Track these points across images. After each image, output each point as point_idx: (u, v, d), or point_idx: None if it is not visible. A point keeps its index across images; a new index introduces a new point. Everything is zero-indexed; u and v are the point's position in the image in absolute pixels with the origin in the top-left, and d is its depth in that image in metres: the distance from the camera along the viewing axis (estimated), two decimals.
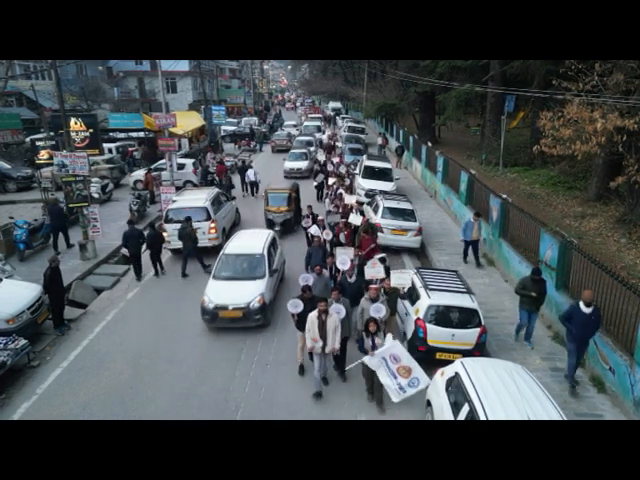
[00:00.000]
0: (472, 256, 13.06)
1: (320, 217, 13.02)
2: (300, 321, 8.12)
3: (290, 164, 24.37)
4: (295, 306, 8.05)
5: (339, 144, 28.16)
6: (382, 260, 10.00)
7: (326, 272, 9.79)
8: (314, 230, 12.08)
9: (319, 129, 36.88)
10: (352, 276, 9.35)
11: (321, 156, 23.02)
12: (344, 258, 9.52)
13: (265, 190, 15.81)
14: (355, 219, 13.07)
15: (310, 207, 13.92)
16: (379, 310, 7.78)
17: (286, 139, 32.68)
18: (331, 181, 17.24)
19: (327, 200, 16.45)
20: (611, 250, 12.30)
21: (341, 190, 15.93)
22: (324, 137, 31.71)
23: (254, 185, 20.67)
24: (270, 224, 15.05)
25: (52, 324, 10.14)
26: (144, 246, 12.75)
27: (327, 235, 11.91)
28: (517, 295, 9.35)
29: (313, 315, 7.64)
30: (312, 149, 27.36)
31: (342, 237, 12.51)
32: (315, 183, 19.36)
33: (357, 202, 14.87)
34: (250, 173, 20.60)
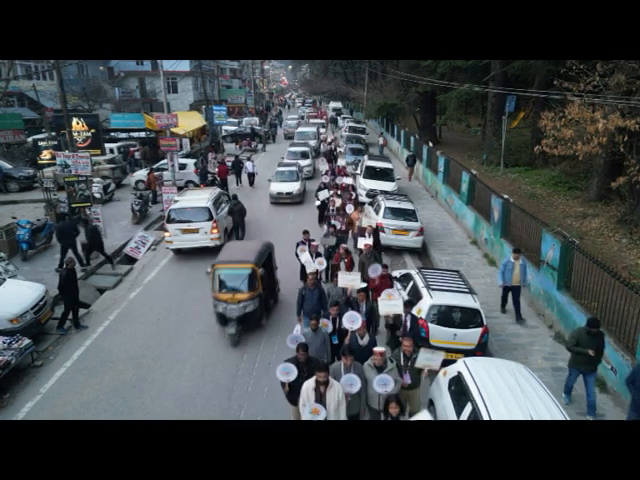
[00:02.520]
0: (511, 304, 10.33)
1: (314, 242, 10.93)
2: (292, 392, 6.25)
3: (277, 187, 19.44)
4: (286, 373, 6.08)
5: (340, 149, 25.43)
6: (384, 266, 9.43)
7: (327, 323, 7.51)
8: (304, 259, 9.99)
9: (316, 135, 31.47)
10: (364, 336, 7.09)
11: (323, 165, 20.29)
12: (354, 316, 7.17)
13: (212, 265, 9.86)
14: (364, 242, 10.87)
15: (306, 233, 11.27)
16: (385, 383, 5.96)
17: (294, 127, 37.43)
18: (338, 202, 14.13)
19: (332, 222, 13.12)
20: (612, 250, 12.32)
21: (349, 205, 13.71)
22: (323, 144, 28.60)
23: (252, 176, 22.55)
24: (221, 320, 9.57)
25: (57, 324, 10.17)
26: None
27: (320, 265, 9.70)
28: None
29: (309, 385, 5.89)
30: (307, 163, 23.75)
31: (342, 267, 10.45)
32: (317, 202, 15.94)
33: (369, 226, 12.05)
34: (249, 165, 22.67)
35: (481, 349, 8.45)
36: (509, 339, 9.53)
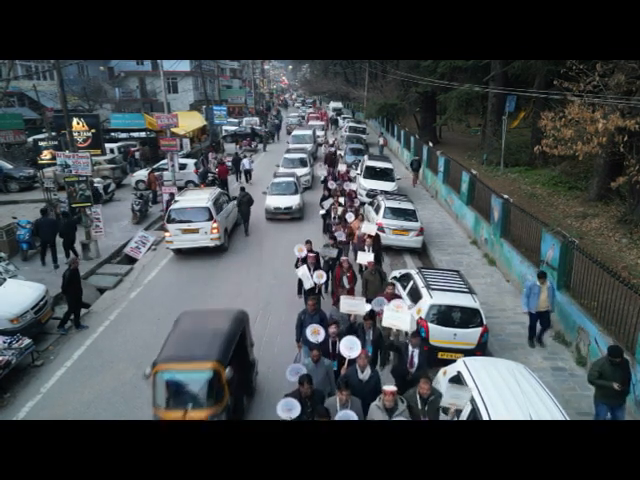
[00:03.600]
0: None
1: (312, 254, 9.89)
2: None
3: (274, 201, 17.26)
4: (288, 409, 5.34)
5: (341, 152, 24.09)
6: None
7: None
8: (301, 273, 9.31)
9: (313, 139, 29.18)
10: (365, 369, 6.15)
11: (322, 171, 19.25)
12: (352, 341, 6.29)
13: (153, 365, 6.48)
14: (365, 257, 10.02)
15: (309, 243, 10.39)
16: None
17: (297, 123, 40.64)
18: (340, 210, 13.61)
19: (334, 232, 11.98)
20: (612, 250, 12.34)
21: (349, 213, 12.84)
22: (324, 148, 26.68)
23: (248, 172, 23.05)
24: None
25: (56, 324, 10.19)
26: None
27: (319, 279, 8.93)
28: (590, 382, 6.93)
29: None
30: (305, 172, 21.40)
31: (345, 282, 9.48)
32: (322, 211, 14.91)
33: (369, 236, 11.12)
34: (245, 162, 23.16)
35: (481, 349, 8.46)
36: (509, 339, 9.54)
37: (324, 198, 15.41)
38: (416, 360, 6.74)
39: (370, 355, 6.64)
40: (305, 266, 9.44)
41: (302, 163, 22.23)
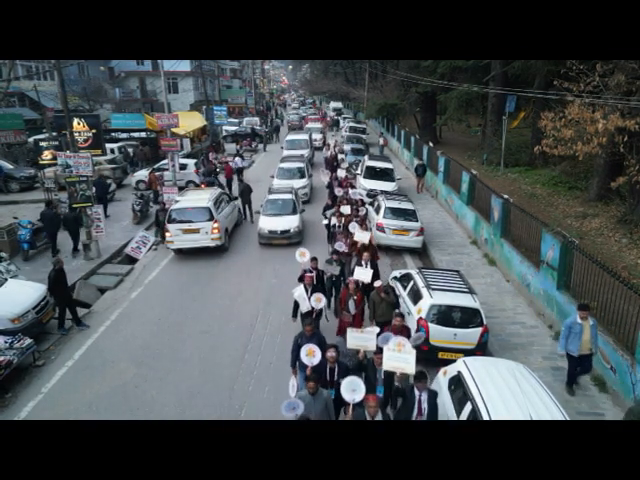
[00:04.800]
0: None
1: (310, 274, 8.82)
2: None
3: (269, 223, 14.63)
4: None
5: (342, 156, 22.16)
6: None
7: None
8: (297, 294, 8.50)
9: (309, 144, 26.82)
10: (377, 415, 5.45)
11: (324, 176, 17.81)
12: (355, 383, 5.58)
13: None
14: (362, 274, 8.92)
15: (314, 260, 9.43)
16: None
17: (298, 121, 42.41)
18: (344, 209, 12.77)
19: (335, 244, 11.07)
20: (612, 250, 12.35)
21: (353, 223, 11.55)
22: (324, 151, 24.73)
23: (239, 171, 22.39)
24: None
25: (56, 324, 10.20)
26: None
27: (317, 303, 8.03)
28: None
29: None
30: (302, 183, 18.87)
31: (351, 305, 8.56)
32: (325, 221, 13.95)
33: (367, 252, 10.00)
34: (237, 160, 23.27)
35: (481, 349, 8.47)
36: (509, 339, 9.56)
37: (327, 207, 14.49)
38: (425, 406, 5.91)
39: (381, 398, 6.05)
40: (302, 286, 8.59)
41: (300, 174, 19.71)
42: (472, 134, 29.75)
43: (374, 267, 9.74)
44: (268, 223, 14.62)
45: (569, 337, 7.62)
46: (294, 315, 8.89)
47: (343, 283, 9.69)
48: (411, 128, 31.54)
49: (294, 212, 15.02)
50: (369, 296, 8.90)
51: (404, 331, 7.34)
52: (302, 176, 19.65)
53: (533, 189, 18.12)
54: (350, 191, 15.15)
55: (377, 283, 8.75)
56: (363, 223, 12.48)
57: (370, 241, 10.92)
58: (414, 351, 6.08)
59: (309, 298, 8.29)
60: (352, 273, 9.32)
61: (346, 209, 12.83)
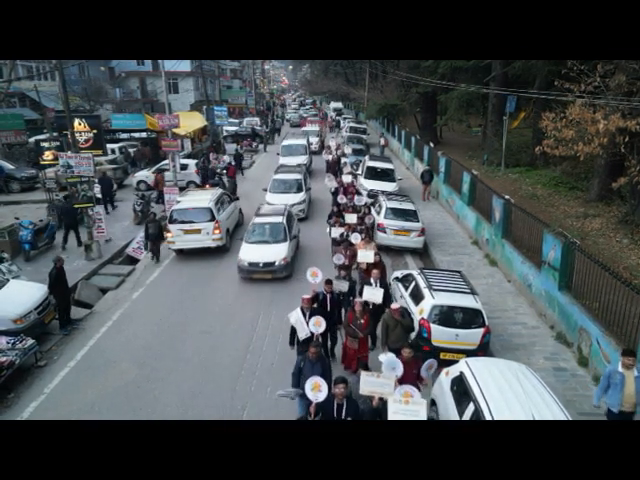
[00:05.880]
0: None
1: (306, 296, 7.93)
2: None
3: (250, 252, 12.32)
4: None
5: (345, 160, 21.19)
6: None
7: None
8: (294, 319, 7.68)
9: (307, 150, 25.02)
10: None
11: (331, 182, 16.65)
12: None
13: None
14: (372, 294, 8.29)
15: (329, 283, 8.58)
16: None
17: (297, 118, 45.79)
18: (350, 218, 12.01)
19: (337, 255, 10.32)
20: (613, 250, 12.35)
21: (355, 234, 10.94)
22: (324, 155, 23.24)
23: (227, 168, 23.16)
24: None
25: (58, 324, 10.22)
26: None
27: (316, 327, 7.32)
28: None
29: None
30: (298, 199, 16.87)
31: (356, 329, 7.84)
32: (328, 229, 13.06)
33: (375, 271, 9.16)
34: (226, 158, 24.71)
35: (483, 349, 8.48)
36: (511, 339, 9.56)
37: (330, 216, 13.51)
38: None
39: None
40: (299, 310, 7.73)
41: (297, 187, 17.51)
42: (473, 134, 29.74)
43: (384, 286, 8.95)
44: (249, 253, 12.24)
45: (609, 389, 6.38)
46: (291, 343, 8.03)
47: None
48: (411, 128, 31.55)
49: (284, 239, 12.61)
50: (377, 319, 8.20)
51: (415, 363, 6.50)
52: (299, 190, 17.43)
53: (534, 189, 18.12)
54: (356, 198, 14.43)
55: (394, 305, 8.04)
56: (367, 233, 11.75)
57: (380, 257, 10.11)
58: (424, 401, 5.39)
59: (307, 322, 7.46)
60: (360, 293, 8.68)
61: (352, 217, 12.16)
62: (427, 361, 6.24)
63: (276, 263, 12.03)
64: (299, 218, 15.89)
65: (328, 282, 8.55)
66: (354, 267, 10.61)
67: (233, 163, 24.31)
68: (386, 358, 6.02)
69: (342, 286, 8.93)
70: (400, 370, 5.88)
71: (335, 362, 8.51)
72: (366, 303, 8.25)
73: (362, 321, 7.84)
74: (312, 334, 7.41)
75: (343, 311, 8.71)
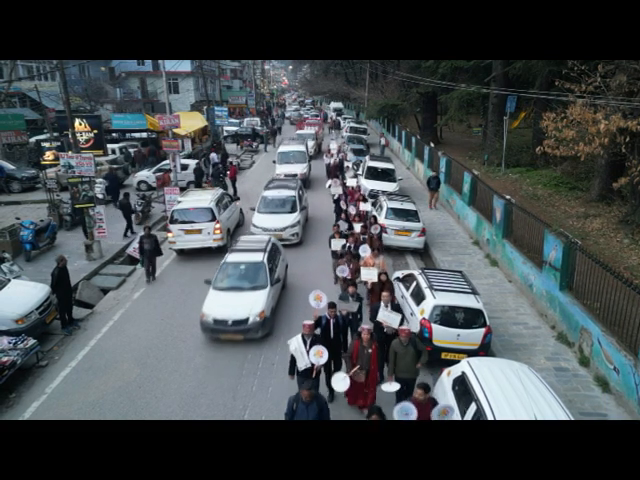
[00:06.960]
0: None
1: (308, 322, 7.19)
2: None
3: (217, 304, 9.57)
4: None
5: (348, 164, 20.09)
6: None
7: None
8: (294, 347, 7.00)
9: (306, 157, 22.78)
10: None
11: (336, 188, 15.36)
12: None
13: None
14: (388, 317, 7.53)
15: (333, 308, 7.72)
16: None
17: (298, 117, 47.14)
18: (357, 228, 11.39)
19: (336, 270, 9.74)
20: (614, 251, 12.35)
21: (363, 246, 10.20)
22: (329, 160, 22.02)
23: (215, 166, 23.49)
24: None
25: (60, 324, 10.23)
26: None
27: (317, 357, 6.74)
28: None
29: None
30: (291, 221, 14.58)
31: (365, 357, 7.07)
32: (334, 247, 11.46)
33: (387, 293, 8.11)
34: (213, 155, 24.65)
35: (484, 349, 8.48)
36: (512, 339, 9.56)
37: (336, 224, 12.32)
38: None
39: None
40: (299, 337, 7.01)
41: (291, 207, 15.10)
42: (473, 134, 29.75)
43: (395, 308, 7.99)
44: (216, 306, 9.51)
45: None
46: (291, 372, 7.29)
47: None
48: (412, 128, 31.56)
49: (263, 285, 9.87)
50: (385, 347, 7.50)
51: (428, 406, 5.80)
52: (292, 209, 14.99)
53: (534, 189, 18.12)
54: (361, 205, 13.56)
55: (404, 326, 7.30)
56: (372, 243, 11.10)
57: (386, 276, 9.22)
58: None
59: (308, 352, 6.81)
60: (372, 315, 7.95)
61: (357, 227, 11.64)
62: (440, 406, 5.63)
63: (250, 320, 9.26)
64: (292, 243, 14.34)
65: (331, 306, 7.65)
66: (357, 281, 9.86)
67: (218, 160, 24.33)
68: (399, 406, 5.42)
69: (350, 307, 7.97)
70: (414, 416, 5.31)
71: (338, 396, 7.74)
72: (375, 329, 7.56)
73: (370, 350, 7.01)
74: (312, 365, 6.80)
75: (349, 334, 7.89)
